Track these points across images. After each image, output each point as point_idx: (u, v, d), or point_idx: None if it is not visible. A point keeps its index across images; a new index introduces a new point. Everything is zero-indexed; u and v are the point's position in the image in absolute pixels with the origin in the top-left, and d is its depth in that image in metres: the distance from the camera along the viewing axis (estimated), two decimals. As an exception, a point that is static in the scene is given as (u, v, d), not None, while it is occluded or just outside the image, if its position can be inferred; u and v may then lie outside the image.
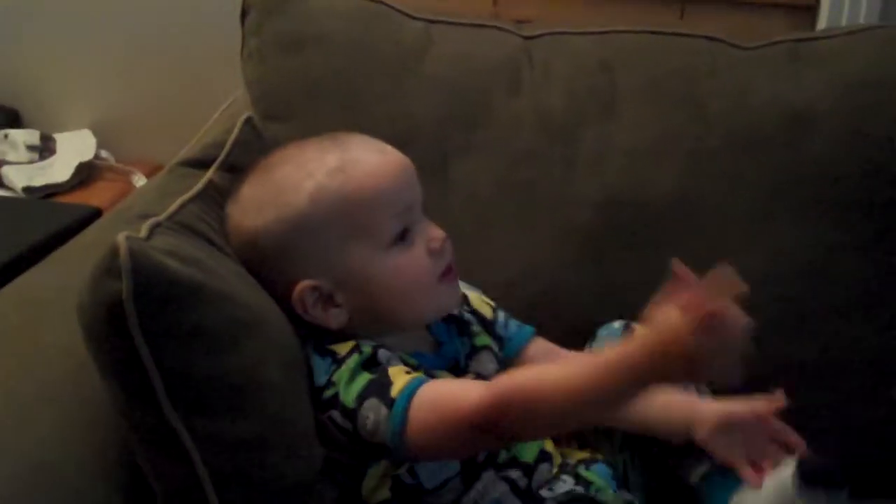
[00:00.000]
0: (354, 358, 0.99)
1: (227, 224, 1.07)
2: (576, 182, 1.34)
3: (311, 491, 0.97)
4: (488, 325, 1.17)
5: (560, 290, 1.32)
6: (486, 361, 1.12)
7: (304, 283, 1.02)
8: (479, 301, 1.19)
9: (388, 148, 1.08)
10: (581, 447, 1.18)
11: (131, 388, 0.87)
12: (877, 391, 1.32)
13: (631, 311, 1.22)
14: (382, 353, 1.01)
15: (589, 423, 1.13)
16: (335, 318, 1.03)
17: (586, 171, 1.34)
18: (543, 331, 1.23)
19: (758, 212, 1.33)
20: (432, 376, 1.01)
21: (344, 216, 1.02)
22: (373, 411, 0.95)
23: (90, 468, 0.91)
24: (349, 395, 0.97)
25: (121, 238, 0.85)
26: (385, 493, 1.01)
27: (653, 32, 1.42)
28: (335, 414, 0.97)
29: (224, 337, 0.89)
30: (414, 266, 1.04)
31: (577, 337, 1.23)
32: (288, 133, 1.32)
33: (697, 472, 1.12)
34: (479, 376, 1.09)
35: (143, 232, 0.93)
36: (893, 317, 1.33)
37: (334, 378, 0.98)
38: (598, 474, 1.12)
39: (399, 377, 0.97)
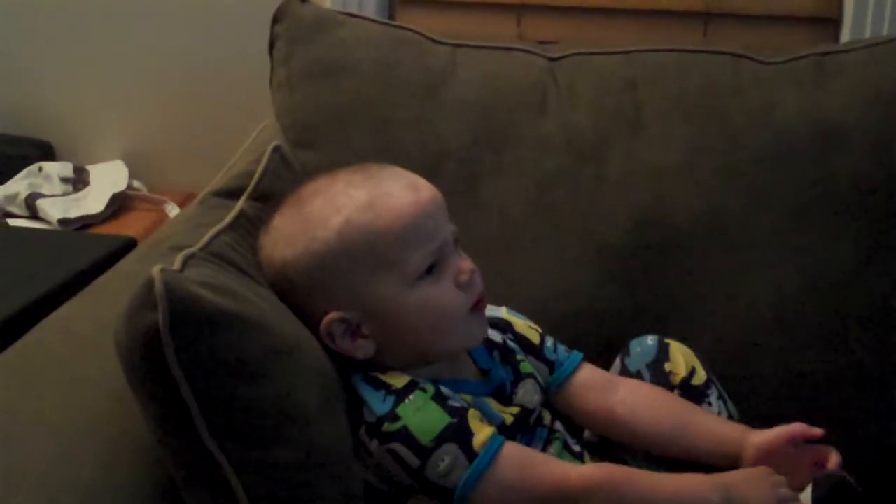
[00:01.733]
0: (419, 394, 1.00)
1: (260, 254, 1.08)
2: (604, 201, 1.35)
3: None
4: (535, 351, 1.17)
5: (591, 309, 1.32)
6: (531, 392, 1.12)
7: (332, 315, 1.02)
8: (525, 327, 1.19)
9: (421, 182, 1.07)
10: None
11: (169, 417, 0.88)
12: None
13: (663, 329, 1.24)
14: (445, 390, 1.02)
15: None
16: (362, 349, 1.04)
17: (614, 190, 1.35)
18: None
19: (787, 227, 1.33)
20: (480, 404, 1.03)
21: (372, 252, 1.01)
22: (450, 456, 0.96)
23: (134, 499, 0.91)
24: (426, 435, 0.97)
25: (156, 271, 0.87)
26: None
27: (677, 50, 1.43)
28: (398, 447, 0.97)
29: (260, 365, 0.90)
30: (441, 300, 1.03)
31: (608, 356, 1.23)
32: (317, 160, 1.34)
33: None
34: (524, 409, 1.09)
35: (177, 264, 0.94)
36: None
37: (399, 412, 0.98)
38: None
39: (479, 427, 0.99)
